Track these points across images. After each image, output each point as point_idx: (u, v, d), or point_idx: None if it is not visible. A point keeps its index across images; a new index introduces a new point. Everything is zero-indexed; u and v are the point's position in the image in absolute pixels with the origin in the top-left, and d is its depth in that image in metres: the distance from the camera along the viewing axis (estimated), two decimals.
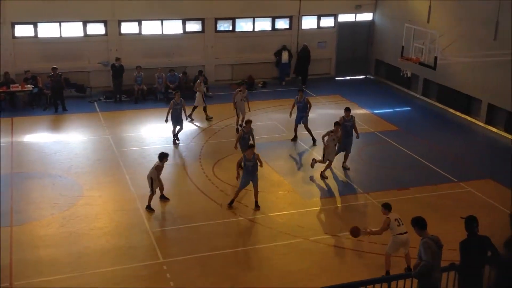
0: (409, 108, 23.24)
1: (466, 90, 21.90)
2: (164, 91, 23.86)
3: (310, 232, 13.84)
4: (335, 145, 16.50)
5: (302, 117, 19.06)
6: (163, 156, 14.84)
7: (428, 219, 13.47)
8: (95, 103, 23.19)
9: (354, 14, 27.27)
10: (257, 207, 14.80)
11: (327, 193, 16.05)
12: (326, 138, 16.41)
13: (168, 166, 17.28)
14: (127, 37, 24.53)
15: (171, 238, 13.72)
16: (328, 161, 16.55)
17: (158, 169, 14.72)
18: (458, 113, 22.30)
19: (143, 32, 24.74)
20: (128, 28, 24.54)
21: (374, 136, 20.19)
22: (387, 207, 11.83)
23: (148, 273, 12.16)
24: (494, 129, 20.62)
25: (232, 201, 14.90)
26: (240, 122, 19.81)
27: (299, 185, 16.42)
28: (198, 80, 21.75)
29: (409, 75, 21.18)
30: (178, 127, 19.04)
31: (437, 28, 20.31)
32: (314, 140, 19.04)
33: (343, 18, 27.23)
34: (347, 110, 17.31)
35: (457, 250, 8.90)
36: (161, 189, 15.08)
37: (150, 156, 18.08)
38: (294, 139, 19.37)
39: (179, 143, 19.00)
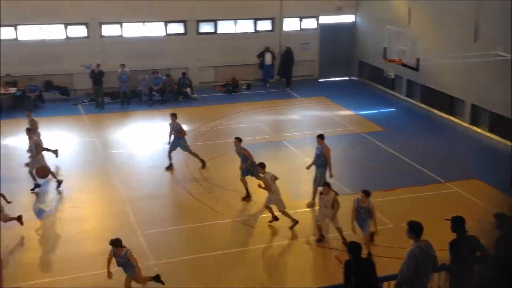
0: (393, 109, 23.45)
1: (449, 91, 22.15)
2: (148, 93, 23.77)
3: (301, 232, 13.86)
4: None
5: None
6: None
7: (415, 220, 13.39)
8: (79, 105, 23.02)
9: (335, 16, 27.45)
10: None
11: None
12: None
13: (152, 168, 17.18)
14: (108, 40, 24.40)
15: (161, 241, 13.62)
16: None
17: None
18: (442, 114, 22.50)
19: (125, 35, 24.63)
20: (110, 30, 24.41)
21: (359, 137, 20.30)
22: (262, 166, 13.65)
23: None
24: (478, 129, 20.82)
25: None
26: None
27: (288, 186, 16.43)
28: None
29: (392, 76, 21.32)
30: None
31: (418, 30, 20.55)
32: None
33: (325, 19, 27.37)
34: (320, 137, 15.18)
35: (446, 251, 9.00)
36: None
37: (139, 159, 18.00)
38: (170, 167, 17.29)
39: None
